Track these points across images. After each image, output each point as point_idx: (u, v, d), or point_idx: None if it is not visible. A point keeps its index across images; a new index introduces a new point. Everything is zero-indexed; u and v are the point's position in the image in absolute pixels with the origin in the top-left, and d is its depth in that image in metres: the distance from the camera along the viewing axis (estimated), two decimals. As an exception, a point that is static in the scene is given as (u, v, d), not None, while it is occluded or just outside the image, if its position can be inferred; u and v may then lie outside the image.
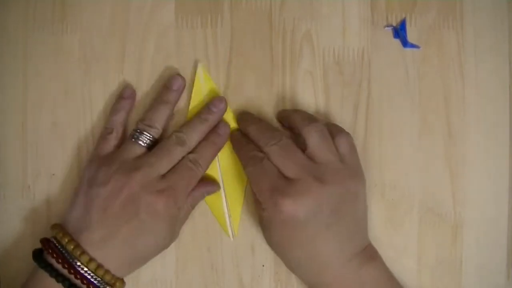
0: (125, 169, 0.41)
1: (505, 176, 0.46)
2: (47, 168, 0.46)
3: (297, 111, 0.45)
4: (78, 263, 0.40)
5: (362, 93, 0.46)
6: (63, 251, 0.40)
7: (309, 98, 0.46)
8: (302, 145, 0.42)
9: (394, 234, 0.46)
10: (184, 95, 0.46)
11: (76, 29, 0.46)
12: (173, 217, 0.42)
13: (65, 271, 0.40)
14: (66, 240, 0.40)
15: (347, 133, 0.43)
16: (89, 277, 0.40)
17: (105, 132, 0.45)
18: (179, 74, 0.46)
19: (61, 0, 0.46)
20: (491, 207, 0.46)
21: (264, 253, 0.46)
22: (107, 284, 0.41)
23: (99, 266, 0.40)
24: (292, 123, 0.44)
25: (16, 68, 0.46)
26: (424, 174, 0.46)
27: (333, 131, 0.43)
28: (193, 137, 0.43)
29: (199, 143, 0.44)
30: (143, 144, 0.43)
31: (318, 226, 0.40)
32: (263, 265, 0.46)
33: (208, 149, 0.44)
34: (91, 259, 0.40)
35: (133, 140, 0.43)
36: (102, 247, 0.40)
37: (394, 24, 0.46)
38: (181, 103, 0.46)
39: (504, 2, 0.46)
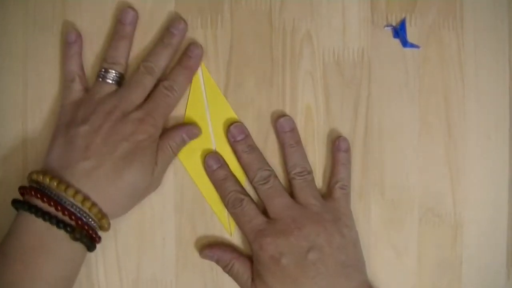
0: (101, 106, 0.42)
1: (505, 176, 0.46)
2: (47, 168, 0.46)
3: (291, 148, 0.45)
4: (64, 199, 0.39)
5: (362, 93, 0.46)
6: (46, 191, 0.40)
7: (309, 98, 0.46)
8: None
9: (394, 234, 0.46)
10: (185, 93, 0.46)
11: (76, 29, 0.46)
12: (154, 144, 0.42)
13: (51, 209, 0.39)
14: (48, 178, 0.40)
15: (345, 185, 0.44)
16: (76, 211, 0.39)
17: (67, 81, 0.45)
18: (130, 7, 0.45)
19: (61, 0, 0.46)
20: (491, 207, 0.46)
21: (264, 253, 0.46)
22: (94, 219, 0.40)
23: (86, 197, 0.40)
24: (283, 152, 0.45)
25: (16, 68, 0.46)
26: (424, 174, 0.46)
27: (335, 176, 0.45)
28: (160, 63, 0.44)
29: (172, 69, 0.45)
30: (111, 82, 0.44)
31: (301, 266, 0.41)
32: (263, 265, 0.46)
33: (181, 74, 0.45)
34: (77, 191, 0.39)
35: (101, 80, 0.44)
36: (86, 180, 0.40)
37: (394, 24, 0.46)
38: (181, 100, 0.46)
39: (504, 2, 0.46)
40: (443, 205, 0.46)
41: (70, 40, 0.45)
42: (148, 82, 0.44)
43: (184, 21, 0.45)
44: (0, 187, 0.46)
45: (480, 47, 0.46)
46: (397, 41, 0.46)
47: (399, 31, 0.46)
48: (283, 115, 0.46)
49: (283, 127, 0.45)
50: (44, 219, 0.39)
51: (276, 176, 0.44)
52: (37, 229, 0.39)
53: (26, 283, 0.39)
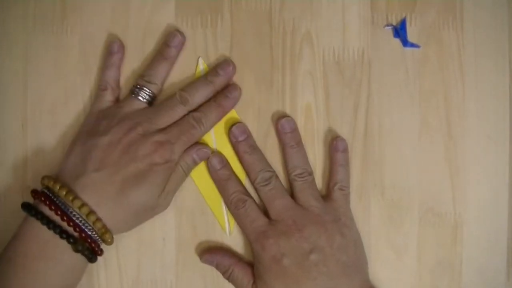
0: (125, 121, 0.42)
1: (505, 176, 0.46)
2: (47, 168, 0.46)
3: (292, 148, 0.45)
4: (70, 210, 0.39)
5: (362, 93, 0.46)
6: (55, 199, 0.40)
7: (309, 98, 0.46)
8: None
9: (394, 234, 0.46)
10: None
11: (76, 29, 0.46)
12: (168, 171, 0.42)
13: (57, 218, 0.39)
14: (58, 186, 0.40)
15: (345, 186, 0.44)
16: (80, 224, 0.40)
17: (100, 90, 0.45)
18: (178, 30, 0.45)
19: (61, 0, 0.46)
20: (491, 207, 0.46)
21: (264, 253, 0.46)
22: (97, 233, 0.40)
23: (91, 211, 0.40)
24: (284, 153, 0.45)
25: (16, 68, 0.46)
26: (424, 174, 0.46)
27: (334, 177, 0.45)
28: (196, 97, 0.44)
29: (206, 103, 0.44)
30: (142, 100, 0.44)
31: (303, 267, 0.41)
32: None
33: (213, 110, 0.44)
34: (84, 204, 0.40)
35: (133, 96, 0.44)
36: (94, 193, 0.40)
37: (394, 24, 0.46)
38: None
39: (504, 2, 0.46)
40: (443, 205, 0.46)
41: (113, 50, 0.45)
42: (178, 110, 0.43)
43: (234, 65, 0.45)
44: (0, 187, 0.46)
45: (480, 47, 0.46)
46: (397, 41, 0.46)
47: (400, 31, 0.46)
48: (284, 115, 0.46)
49: (284, 127, 0.45)
50: (49, 228, 0.39)
51: (277, 177, 0.44)
52: (41, 236, 0.39)
53: None
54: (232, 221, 0.46)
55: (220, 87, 0.45)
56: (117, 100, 0.45)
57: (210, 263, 0.45)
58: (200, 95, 0.44)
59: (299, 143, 0.45)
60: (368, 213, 0.46)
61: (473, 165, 0.46)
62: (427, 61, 0.46)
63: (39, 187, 0.42)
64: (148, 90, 0.44)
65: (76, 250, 0.40)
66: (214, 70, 0.45)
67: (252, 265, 0.44)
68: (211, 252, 0.45)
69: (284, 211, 0.43)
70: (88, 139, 0.42)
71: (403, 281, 0.45)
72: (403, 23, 0.46)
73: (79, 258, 0.40)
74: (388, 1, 0.46)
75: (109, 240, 0.41)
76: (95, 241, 0.40)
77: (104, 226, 0.40)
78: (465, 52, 0.46)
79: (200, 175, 0.46)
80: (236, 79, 0.46)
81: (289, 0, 0.46)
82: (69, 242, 0.39)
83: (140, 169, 0.41)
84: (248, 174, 0.45)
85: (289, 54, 0.46)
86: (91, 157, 0.41)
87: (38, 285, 0.39)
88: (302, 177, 0.44)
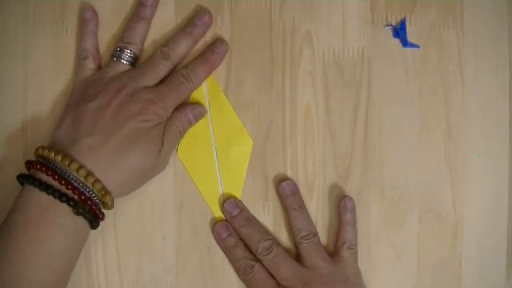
0: (111, 84, 0.42)
1: (505, 176, 0.46)
2: (47, 168, 0.46)
3: (295, 211, 0.45)
4: (68, 173, 0.39)
5: (362, 93, 0.46)
6: (51, 165, 0.40)
7: (309, 98, 0.46)
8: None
9: (394, 234, 0.46)
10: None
11: (76, 29, 0.46)
12: (161, 127, 0.42)
13: (55, 183, 0.39)
14: (53, 153, 0.40)
15: (353, 245, 0.44)
16: (79, 186, 0.39)
17: (80, 59, 0.45)
18: None
19: (61, 0, 0.46)
20: (491, 207, 0.46)
21: (264, 253, 0.46)
22: (97, 195, 0.40)
23: (89, 173, 0.39)
24: (288, 216, 0.45)
25: (16, 68, 0.46)
26: (424, 174, 0.46)
27: (343, 236, 0.44)
28: (177, 50, 0.44)
29: (194, 59, 0.45)
30: (125, 62, 0.43)
31: None
32: (263, 265, 0.46)
33: (202, 66, 0.44)
34: (81, 166, 0.39)
35: (115, 59, 0.44)
36: (91, 156, 0.40)
37: (394, 24, 0.46)
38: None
39: (504, 2, 0.46)
40: (443, 205, 0.46)
41: (86, 17, 0.45)
42: (163, 67, 0.43)
43: (210, 14, 0.45)
44: (2, 186, 0.46)
45: (480, 47, 0.46)
46: (397, 41, 0.46)
47: (399, 31, 0.46)
48: (284, 178, 0.46)
49: (285, 191, 0.45)
50: (48, 193, 0.39)
51: (278, 244, 0.44)
52: (41, 202, 0.39)
53: (30, 258, 0.38)
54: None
55: (199, 37, 0.45)
56: (99, 67, 0.45)
57: None
58: (181, 48, 0.44)
59: (301, 206, 0.45)
60: (368, 213, 0.46)
61: (473, 165, 0.46)
62: (427, 61, 0.46)
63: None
64: (129, 51, 0.44)
65: (77, 213, 0.39)
66: (191, 21, 0.45)
67: None
68: None
69: (292, 277, 0.43)
70: (77, 107, 0.42)
71: (403, 280, 0.45)
72: (403, 23, 0.46)
73: (80, 222, 0.40)
74: (388, 1, 0.46)
75: (110, 203, 0.41)
76: (95, 204, 0.40)
77: (103, 187, 0.40)
78: (465, 52, 0.46)
79: (200, 176, 0.46)
80: (236, 79, 0.46)
81: (289, 0, 0.46)
82: (69, 205, 0.39)
83: (134, 128, 0.41)
84: (249, 246, 0.45)
85: (289, 54, 0.46)
86: (83, 123, 0.41)
87: (41, 252, 0.39)
88: (308, 239, 0.44)
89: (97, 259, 0.46)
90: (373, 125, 0.46)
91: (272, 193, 0.46)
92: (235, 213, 0.45)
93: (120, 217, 0.45)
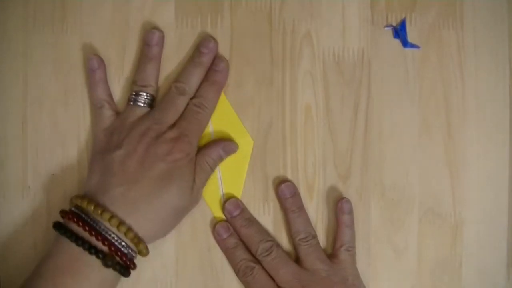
0: (134, 130, 0.42)
1: (505, 176, 0.46)
2: (47, 168, 0.46)
3: (294, 213, 0.45)
4: (100, 224, 0.39)
5: (362, 93, 0.46)
6: (83, 215, 0.40)
7: (309, 98, 0.46)
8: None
9: (394, 234, 0.46)
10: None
11: (76, 29, 0.46)
12: (191, 163, 0.42)
13: (85, 234, 0.39)
14: (86, 202, 0.40)
15: (351, 247, 0.45)
16: (109, 237, 0.39)
17: (96, 108, 0.44)
18: (155, 28, 0.45)
19: (61, 0, 0.46)
20: (491, 207, 0.46)
21: (264, 253, 0.46)
22: (130, 245, 0.40)
23: (121, 222, 0.39)
24: (287, 218, 0.45)
25: (16, 68, 0.46)
26: (424, 174, 0.46)
27: (341, 238, 0.45)
28: (191, 82, 0.44)
29: (200, 85, 0.44)
30: (143, 105, 0.43)
31: None
32: (263, 265, 0.46)
33: (210, 89, 0.44)
34: (113, 216, 0.39)
35: (132, 103, 0.44)
36: (122, 204, 0.40)
37: (394, 24, 0.46)
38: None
39: (504, 2, 0.46)
40: (443, 205, 0.46)
41: (93, 66, 0.45)
42: (181, 102, 0.43)
43: (214, 40, 0.45)
44: (2, 185, 0.46)
45: (480, 47, 0.46)
46: (397, 41, 0.46)
47: (399, 31, 0.46)
48: (284, 180, 0.46)
49: (284, 193, 0.45)
50: (78, 244, 0.39)
51: (278, 246, 0.44)
52: (71, 253, 0.39)
53: None
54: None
55: (208, 64, 0.45)
56: (117, 113, 0.45)
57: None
58: (194, 79, 0.44)
59: (300, 208, 0.45)
60: (368, 213, 0.46)
61: (473, 165, 0.46)
62: (427, 61, 0.46)
63: (60, 205, 0.43)
64: (145, 94, 0.44)
65: (106, 265, 0.39)
66: (197, 51, 0.45)
67: None
68: None
69: (291, 279, 0.43)
70: (104, 157, 0.42)
71: (403, 281, 0.45)
72: (403, 24, 0.46)
73: (109, 273, 0.40)
74: (388, 1, 0.46)
75: (144, 251, 0.41)
76: (125, 255, 0.40)
77: (136, 235, 0.40)
78: (465, 52, 0.46)
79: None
80: (236, 79, 0.46)
81: (289, 0, 0.46)
82: (98, 257, 0.39)
83: (164, 169, 0.41)
84: (249, 246, 0.45)
85: (289, 54, 0.46)
86: (112, 173, 0.41)
87: None
88: (307, 241, 0.44)
89: (97, 259, 0.46)
90: (373, 125, 0.46)
91: (272, 193, 0.46)
92: (236, 213, 0.45)
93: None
